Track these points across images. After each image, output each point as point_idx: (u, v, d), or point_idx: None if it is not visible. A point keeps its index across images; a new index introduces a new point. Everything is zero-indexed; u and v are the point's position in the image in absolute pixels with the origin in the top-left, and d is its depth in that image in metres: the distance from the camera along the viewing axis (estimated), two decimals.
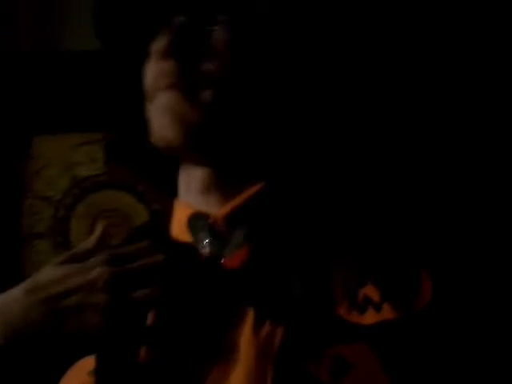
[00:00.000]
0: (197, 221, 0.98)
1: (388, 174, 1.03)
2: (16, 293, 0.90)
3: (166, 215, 1.03)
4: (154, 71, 0.95)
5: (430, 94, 1.20)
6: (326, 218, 0.97)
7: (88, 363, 0.95)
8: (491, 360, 0.89)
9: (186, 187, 1.00)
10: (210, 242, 0.96)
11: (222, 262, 0.95)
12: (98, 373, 0.93)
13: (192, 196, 0.99)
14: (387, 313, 0.89)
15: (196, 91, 0.93)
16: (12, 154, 1.80)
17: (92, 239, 0.94)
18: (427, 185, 1.03)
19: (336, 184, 0.99)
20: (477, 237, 0.93)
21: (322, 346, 0.88)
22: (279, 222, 0.96)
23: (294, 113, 0.97)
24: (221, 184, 0.97)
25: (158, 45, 0.95)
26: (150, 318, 0.90)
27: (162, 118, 0.94)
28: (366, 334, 0.88)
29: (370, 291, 0.90)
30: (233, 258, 0.95)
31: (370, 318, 0.89)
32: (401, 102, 1.08)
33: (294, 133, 0.98)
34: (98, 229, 0.94)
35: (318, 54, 0.97)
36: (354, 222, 0.96)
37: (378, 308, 0.89)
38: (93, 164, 1.75)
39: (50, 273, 0.90)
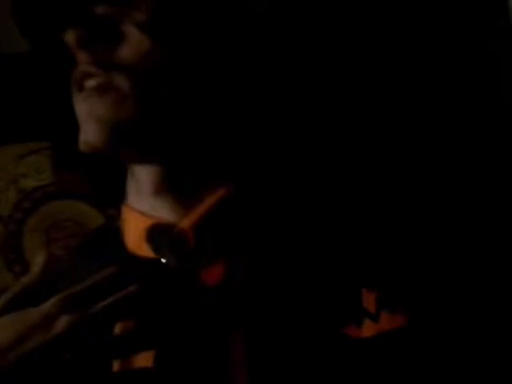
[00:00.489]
0: (157, 233, 0.90)
1: (373, 173, 0.98)
2: None
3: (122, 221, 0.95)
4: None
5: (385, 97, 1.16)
6: (308, 221, 0.91)
7: None
8: (499, 366, 0.85)
9: (136, 191, 0.93)
10: (177, 258, 0.88)
11: (198, 280, 0.87)
12: None
13: (143, 200, 0.92)
14: (385, 323, 0.84)
15: (111, 86, 0.86)
16: None
17: (34, 271, 0.84)
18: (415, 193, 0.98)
19: (317, 184, 0.92)
20: (479, 244, 0.87)
21: (323, 368, 0.82)
22: (255, 229, 0.89)
23: (235, 104, 0.90)
24: (173, 186, 0.90)
25: (68, 37, 0.88)
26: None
27: (82, 122, 0.88)
28: (367, 347, 0.83)
29: (365, 301, 0.84)
30: (209, 275, 0.87)
31: (367, 330, 0.84)
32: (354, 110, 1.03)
33: (244, 127, 0.91)
34: (39, 257, 0.85)
35: (247, 37, 0.90)
36: (343, 225, 0.90)
37: (375, 319, 0.83)
38: (39, 175, 1.69)
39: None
